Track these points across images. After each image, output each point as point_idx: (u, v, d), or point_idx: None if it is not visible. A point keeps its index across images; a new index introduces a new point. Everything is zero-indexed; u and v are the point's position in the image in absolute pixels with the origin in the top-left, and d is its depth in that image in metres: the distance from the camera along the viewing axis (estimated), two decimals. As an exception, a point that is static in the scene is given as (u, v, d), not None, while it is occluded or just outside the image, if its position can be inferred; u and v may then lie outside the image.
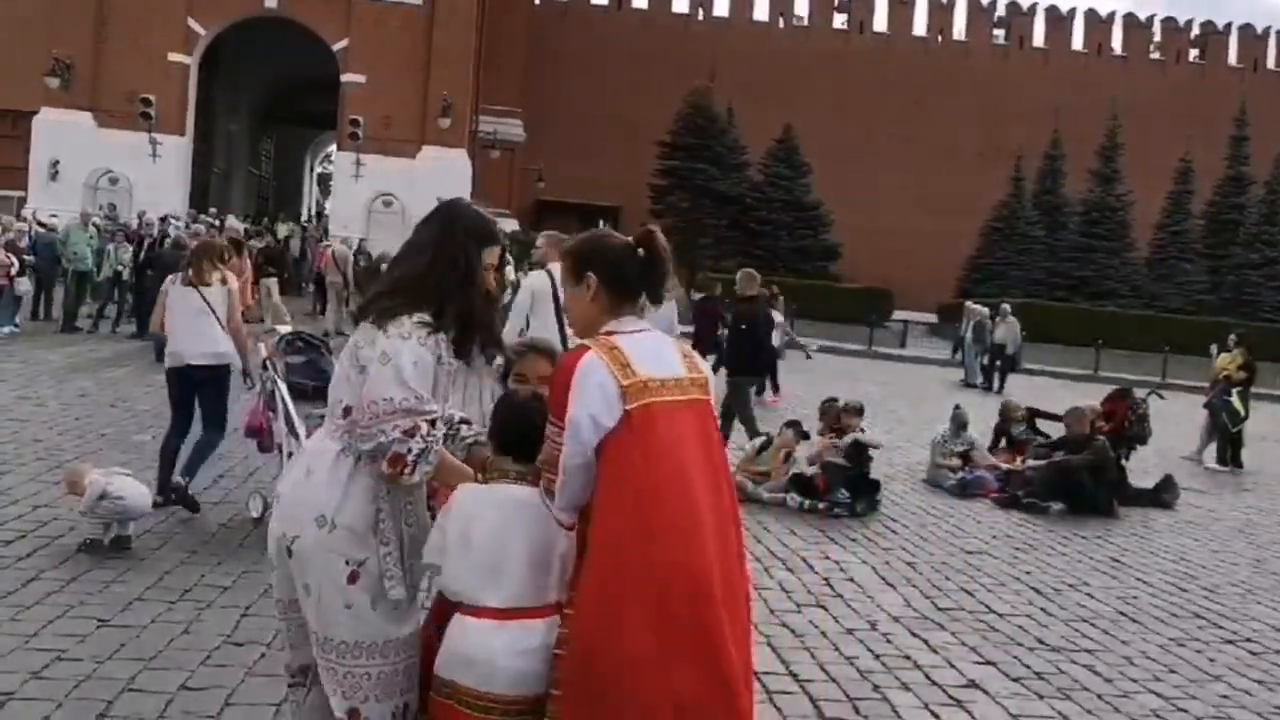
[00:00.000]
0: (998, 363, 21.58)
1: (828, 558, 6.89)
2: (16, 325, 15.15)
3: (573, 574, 2.48)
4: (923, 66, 50.01)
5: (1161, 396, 12.80)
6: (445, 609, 2.63)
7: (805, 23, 51.40)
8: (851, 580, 6.41)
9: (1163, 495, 10.09)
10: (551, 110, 45.73)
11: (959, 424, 10.20)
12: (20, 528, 5.86)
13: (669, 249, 2.64)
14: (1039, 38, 52.95)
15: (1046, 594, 6.48)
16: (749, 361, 10.76)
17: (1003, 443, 10.88)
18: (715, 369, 10.46)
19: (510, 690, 2.45)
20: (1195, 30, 53.60)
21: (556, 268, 7.55)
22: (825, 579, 6.38)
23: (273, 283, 18.80)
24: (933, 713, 4.47)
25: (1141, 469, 10.90)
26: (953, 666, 5.03)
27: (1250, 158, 46.21)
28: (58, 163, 32.33)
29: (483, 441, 2.87)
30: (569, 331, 7.11)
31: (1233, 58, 53.19)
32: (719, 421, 2.95)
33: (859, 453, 8.76)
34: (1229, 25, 53.65)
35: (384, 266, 18.40)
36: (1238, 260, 44.31)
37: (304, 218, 46.14)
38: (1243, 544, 8.68)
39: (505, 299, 9.83)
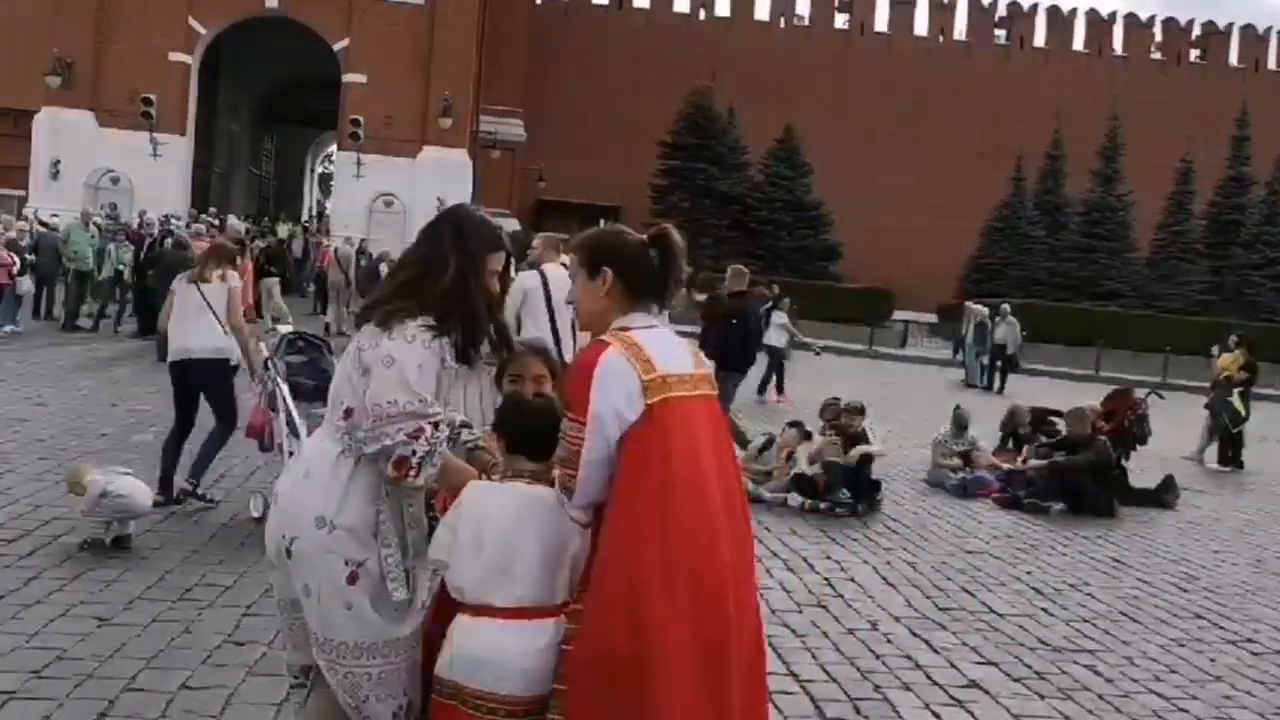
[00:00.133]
0: (998, 363, 21.58)
1: (829, 558, 6.89)
2: (18, 324, 15.15)
3: (582, 571, 2.48)
4: (924, 66, 49.97)
5: (1161, 396, 12.80)
6: (446, 609, 2.63)
7: (806, 23, 51.37)
8: (852, 580, 6.41)
9: (1164, 496, 10.08)
10: (552, 110, 45.71)
11: (960, 424, 10.20)
12: (21, 526, 5.86)
13: (684, 249, 2.64)
14: (1040, 38, 52.92)
15: (1048, 594, 6.48)
16: (738, 357, 10.81)
17: (1010, 443, 10.88)
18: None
19: (523, 692, 2.44)
20: (1196, 31, 53.56)
21: (550, 268, 7.60)
22: (826, 579, 6.38)
23: (274, 283, 18.80)
24: (934, 713, 4.47)
25: (1142, 469, 10.88)
26: (954, 667, 5.03)
27: (1251, 158, 46.20)
28: (59, 162, 32.32)
29: (484, 445, 2.87)
30: (561, 331, 7.17)
31: (1234, 58, 53.15)
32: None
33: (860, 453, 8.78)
34: (1230, 26, 53.61)
35: (382, 266, 18.34)
36: (1239, 261, 44.30)
37: (304, 218, 46.10)
38: (1244, 544, 8.68)
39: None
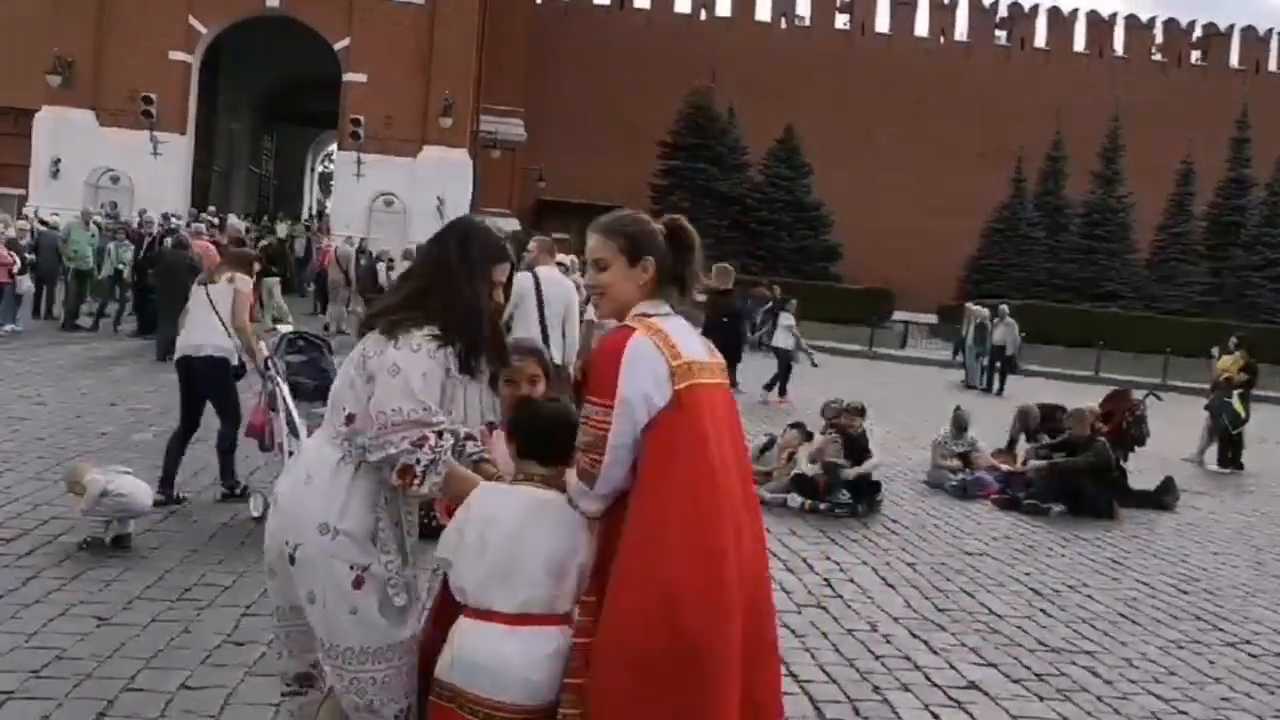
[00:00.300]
0: (997, 364, 21.58)
1: (828, 558, 6.89)
2: (17, 323, 15.15)
3: (595, 563, 2.46)
4: (924, 67, 49.96)
5: (1159, 398, 12.80)
6: (448, 611, 2.63)
7: (807, 23, 51.33)
8: (852, 581, 6.41)
9: (1163, 497, 10.08)
10: (553, 110, 45.71)
11: (960, 425, 10.20)
12: (21, 526, 5.86)
13: (698, 241, 2.64)
14: (1041, 39, 52.90)
15: (1047, 595, 6.48)
16: (728, 354, 10.87)
17: (1019, 442, 10.89)
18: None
19: (523, 700, 2.42)
20: (1197, 32, 53.53)
21: (544, 270, 7.66)
22: (826, 580, 6.38)
23: (275, 282, 18.79)
24: (933, 714, 4.47)
25: (1141, 471, 10.88)
26: (953, 668, 5.03)
27: (1252, 160, 46.23)
28: (59, 161, 32.32)
29: (488, 458, 2.88)
30: (550, 331, 7.20)
31: (1234, 60, 53.14)
32: None
33: (860, 452, 8.78)
34: (1231, 27, 53.60)
35: (380, 266, 18.33)
36: (1239, 262, 44.31)
37: (304, 217, 46.10)
38: (1243, 546, 8.68)
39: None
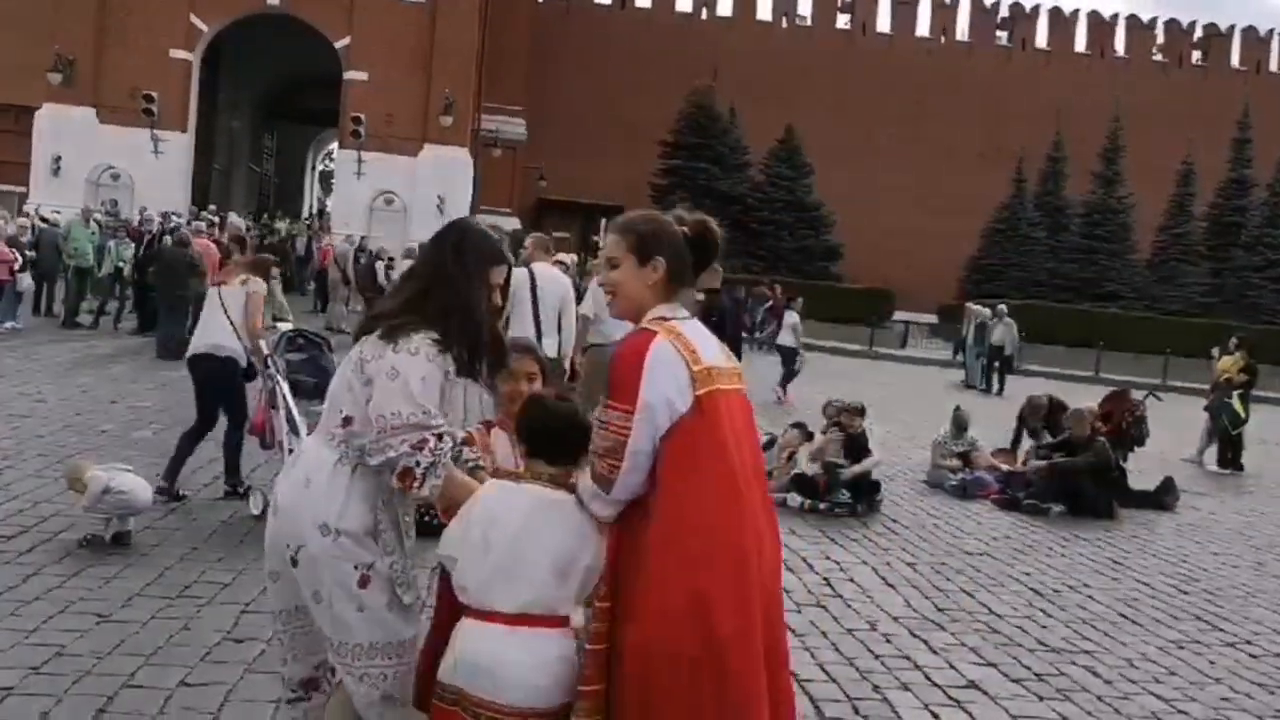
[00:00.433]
0: (996, 364, 21.58)
1: (828, 558, 6.89)
2: (18, 321, 15.15)
3: (608, 568, 2.44)
4: (925, 67, 49.95)
5: (1159, 398, 12.79)
6: (448, 618, 2.63)
7: (808, 23, 51.31)
8: (852, 580, 6.41)
9: (1163, 498, 10.08)
10: (553, 109, 45.70)
11: (960, 425, 10.20)
12: (21, 523, 5.86)
13: (721, 243, 2.63)
14: (1041, 39, 52.88)
15: (1047, 595, 6.48)
16: None
17: (1025, 437, 10.91)
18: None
19: (522, 703, 2.40)
20: (1198, 33, 53.51)
21: (540, 267, 7.68)
22: (825, 579, 6.38)
23: (276, 281, 18.80)
24: (933, 713, 4.47)
25: (1141, 471, 10.88)
26: (953, 667, 5.03)
27: (1252, 160, 46.21)
28: (60, 158, 32.31)
29: (484, 465, 2.89)
30: (545, 327, 7.22)
31: (1235, 60, 53.12)
32: None
33: (860, 451, 8.78)
34: (1232, 28, 53.57)
35: (379, 264, 18.37)
36: (1239, 263, 44.30)
37: (304, 215, 46.09)
38: (1243, 547, 8.68)
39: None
